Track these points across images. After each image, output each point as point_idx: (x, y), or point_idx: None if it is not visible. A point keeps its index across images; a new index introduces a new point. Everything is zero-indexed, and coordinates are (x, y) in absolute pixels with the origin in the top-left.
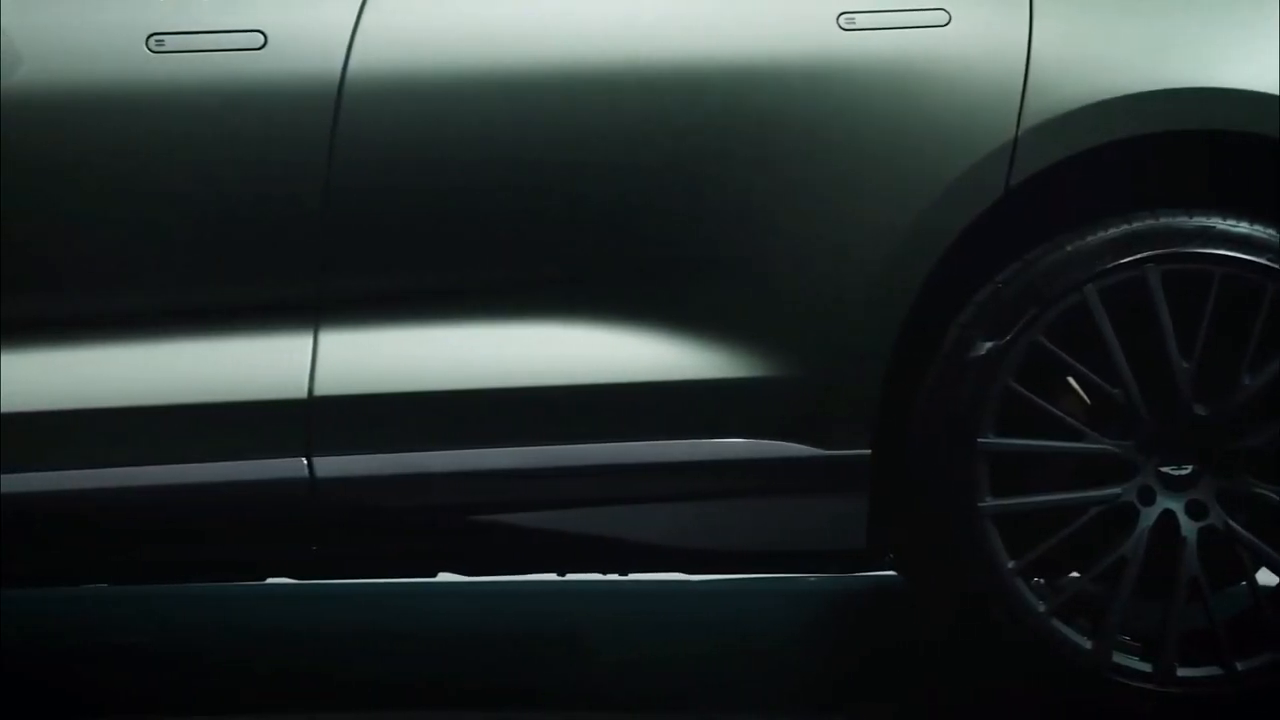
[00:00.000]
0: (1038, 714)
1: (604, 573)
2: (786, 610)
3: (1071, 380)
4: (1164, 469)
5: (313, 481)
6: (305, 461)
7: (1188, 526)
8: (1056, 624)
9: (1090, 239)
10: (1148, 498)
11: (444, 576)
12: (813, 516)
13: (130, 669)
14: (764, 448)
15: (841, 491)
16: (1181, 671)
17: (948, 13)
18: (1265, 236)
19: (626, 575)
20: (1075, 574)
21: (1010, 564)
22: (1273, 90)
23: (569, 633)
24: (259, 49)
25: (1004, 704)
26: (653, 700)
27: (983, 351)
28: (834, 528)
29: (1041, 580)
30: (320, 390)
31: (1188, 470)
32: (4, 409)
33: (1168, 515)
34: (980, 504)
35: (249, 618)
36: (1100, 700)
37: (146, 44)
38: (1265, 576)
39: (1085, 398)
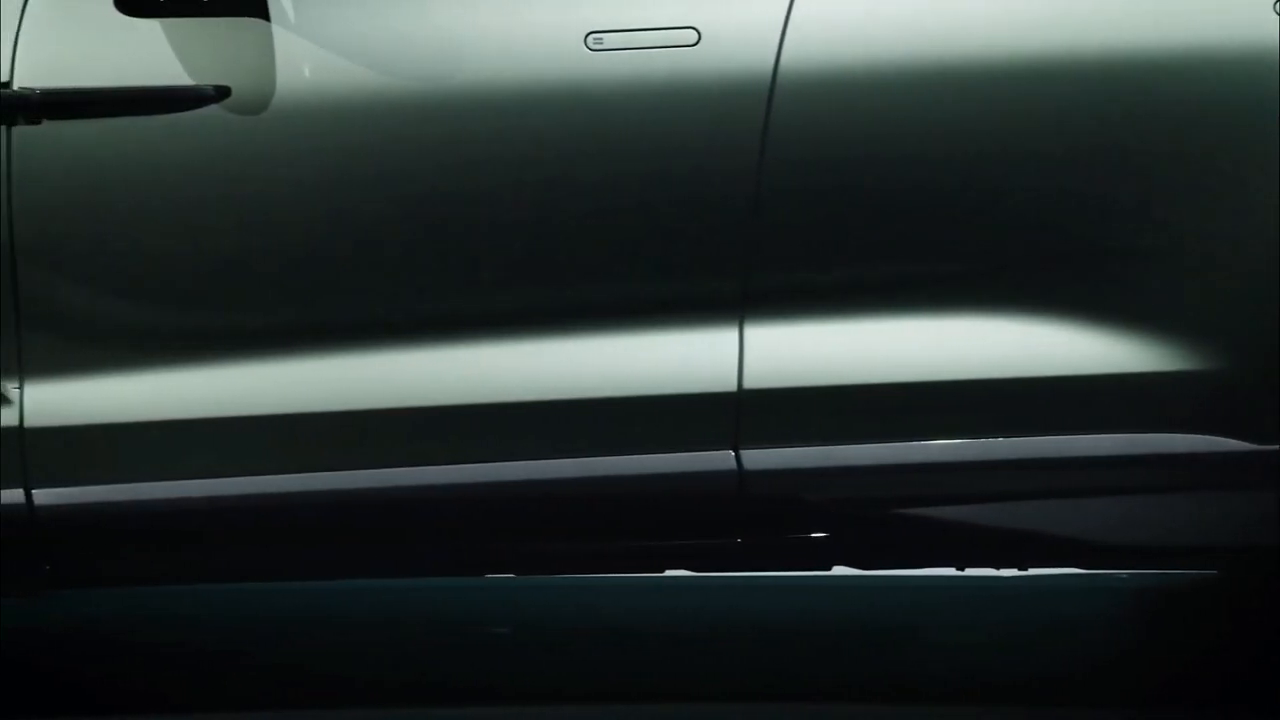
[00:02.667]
0: None
1: (999, 567)
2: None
3: None
4: None
5: (740, 474)
6: (733, 454)
7: None
8: None
9: None
10: None
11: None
12: (1245, 512)
13: (131, 667)
14: (1195, 442)
15: (1274, 487)
16: None
17: None
18: None
19: (1025, 570)
20: None
21: None
22: None
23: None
24: (693, 45)
25: None
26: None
27: None
28: (1266, 523)
29: None
30: (749, 384)
31: None
32: (464, 402)
33: None
34: None
35: (254, 612)
36: None
37: (585, 42)
38: None
39: None
